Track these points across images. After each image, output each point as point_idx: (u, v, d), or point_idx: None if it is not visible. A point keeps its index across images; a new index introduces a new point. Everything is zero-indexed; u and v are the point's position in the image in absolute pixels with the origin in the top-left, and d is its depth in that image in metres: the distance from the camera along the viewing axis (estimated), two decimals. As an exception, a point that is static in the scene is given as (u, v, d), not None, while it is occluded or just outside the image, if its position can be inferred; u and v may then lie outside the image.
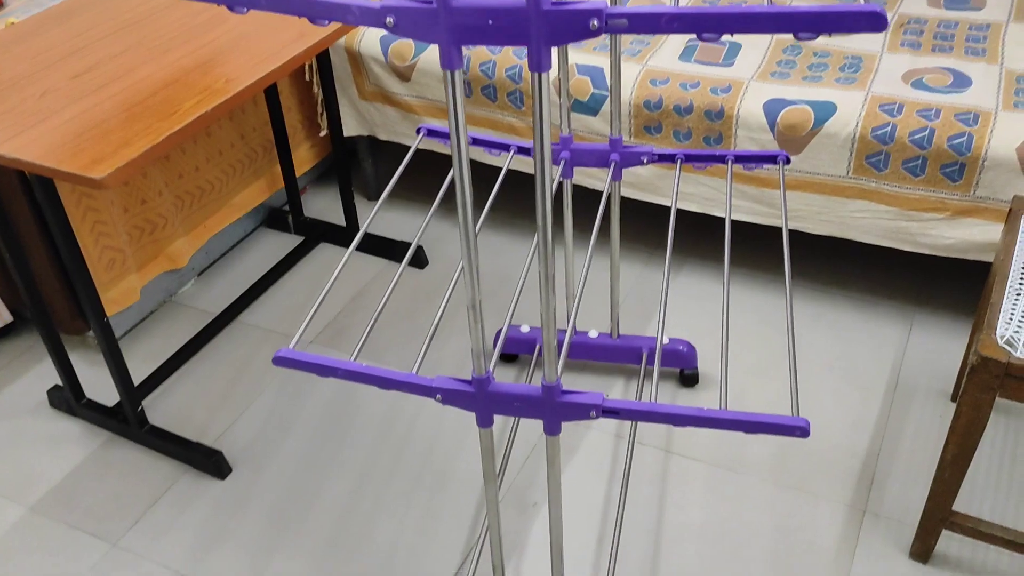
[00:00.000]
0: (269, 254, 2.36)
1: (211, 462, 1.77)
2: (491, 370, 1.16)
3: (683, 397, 1.88)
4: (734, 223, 2.28)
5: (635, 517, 1.65)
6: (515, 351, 1.97)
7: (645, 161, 1.64)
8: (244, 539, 1.66)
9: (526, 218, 2.42)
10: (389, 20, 0.87)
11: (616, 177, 1.66)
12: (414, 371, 1.21)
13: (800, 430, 1.11)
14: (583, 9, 0.83)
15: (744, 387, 1.89)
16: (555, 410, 1.16)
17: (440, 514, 1.69)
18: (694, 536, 1.62)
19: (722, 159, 1.60)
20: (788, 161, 1.56)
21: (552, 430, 1.20)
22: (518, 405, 1.17)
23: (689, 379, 1.89)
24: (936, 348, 1.95)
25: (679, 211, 2.19)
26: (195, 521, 1.70)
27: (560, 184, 1.88)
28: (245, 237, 2.42)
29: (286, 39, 1.67)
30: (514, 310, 1.33)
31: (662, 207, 2.35)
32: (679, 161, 1.62)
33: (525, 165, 2.14)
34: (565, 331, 1.93)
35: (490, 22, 0.85)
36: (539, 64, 0.89)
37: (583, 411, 1.15)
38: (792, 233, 2.08)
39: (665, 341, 1.88)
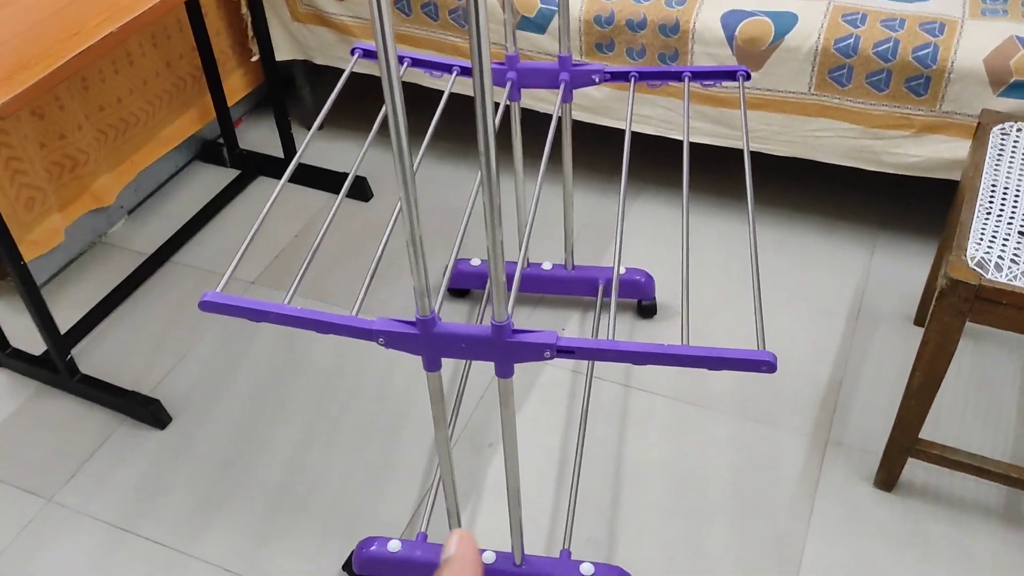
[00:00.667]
0: (204, 190, 2.23)
1: (149, 411, 1.68)
2: (436, 310, 1.08)
3: (641, 329, 1.81)
4: (692, 146, 2.19)
5: (595, 455, 1.60)
6: (465, 286, 1.88)
7: (597, 80, 1.54)
8: (187, 491, 1.58)
9: (475, 146, 2.31)
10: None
11: (567, 99, 1.56)
12: (354, 313, 1.12)
13: (767, 365, 1.05)
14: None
15: (706, 318, 1.83)
16: (507, 351, 1.08)
17: (394, 459, 1.62)
18: (656, 472, 1.57)
19: (678, 76, 1.51)
20: (748, 77, 1.47)
21: (504, 372, 1.12)
22: (466, 347, 1.09)
23: (647, 310, 1.82)
24: (899, 272, 1.91)
25: (636, 134, 2.09)
26: (134, 474, 1.62)
27: (507, 108, 1.77)
28: (177, 172, 2.28)
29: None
30: (461, 243, 1.24)
31: (618, 131, 2.24)
32: (633, 79, 1.52)
33: (471, 88, 2.02)
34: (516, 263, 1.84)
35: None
36: (474, -34, 0.78)
37: (536, 351, 1.08)
38: (752, 155, 1.99)
39: (622, 271, 1.81)
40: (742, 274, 1.92)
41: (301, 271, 1.12)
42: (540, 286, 1.83)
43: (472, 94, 2.16)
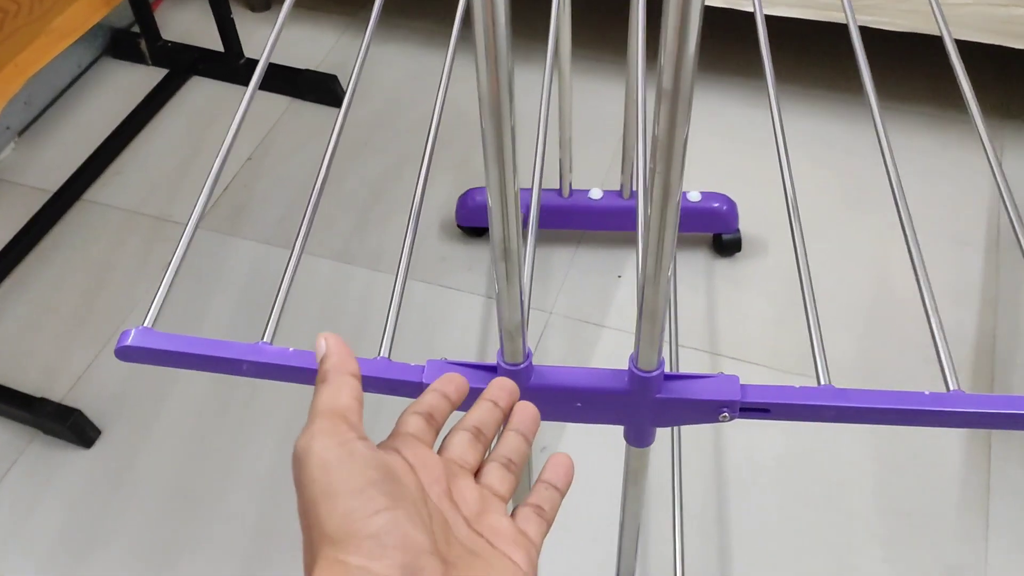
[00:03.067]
0: (119, 98, 1.69)
1: (66, 426, 1.22)
2: (532, 350, 0.63)
3: (721, 271, 1.38)
4: (769, 20, 1.70)
5: (687, 461, 1.19)
6: (483, 223, 1.42)
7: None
8: (131, 531, 1.15)
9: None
10: None
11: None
12: (382, 353, 0.66)
13: None
14: None
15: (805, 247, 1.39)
16: (655, 412, 0.64)
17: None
18: (770, 477, 1.17)
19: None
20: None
21: (642, 440, 0.69)
22: (583, 407, 0.65)
23: (728, 246, 1.38)
24: (1041, 178, 1.49)
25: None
26: (56, 512, 1.17)
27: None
28: (81, 75, 1.73)
29: None
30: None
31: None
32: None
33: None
34: (558, 191, 1.38)
35: None
36: None
37: (705, 412, 0.64)
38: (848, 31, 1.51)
39: (697, 198, 1.36)
40: (844, 187, 1.48)
41: (275, 315, 0.66)
42: (588, 221, 1.38)
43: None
